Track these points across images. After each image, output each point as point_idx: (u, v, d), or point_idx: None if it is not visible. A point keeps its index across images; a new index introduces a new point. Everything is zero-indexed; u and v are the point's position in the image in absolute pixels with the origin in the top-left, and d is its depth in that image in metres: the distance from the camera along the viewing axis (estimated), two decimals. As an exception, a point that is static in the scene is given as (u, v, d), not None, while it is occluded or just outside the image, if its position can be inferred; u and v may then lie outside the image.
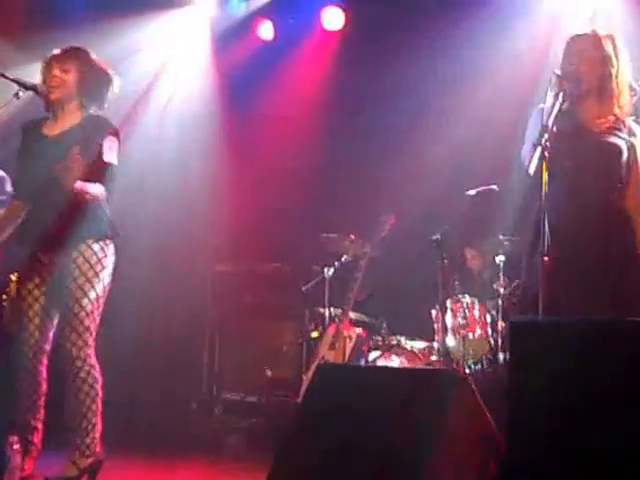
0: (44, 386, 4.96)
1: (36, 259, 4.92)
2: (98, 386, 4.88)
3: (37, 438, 4.95)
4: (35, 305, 4.92)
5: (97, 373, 4.88)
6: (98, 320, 4.92)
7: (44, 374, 4.95)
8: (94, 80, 5.00)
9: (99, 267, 4.86)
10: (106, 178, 4.86)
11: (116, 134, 4.95)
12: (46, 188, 4.81)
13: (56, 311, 4.92)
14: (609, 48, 4.46)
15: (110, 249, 4.94)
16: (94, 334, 4.89)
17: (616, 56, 4.46)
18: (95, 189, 4.79)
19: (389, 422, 3.87)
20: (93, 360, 4.87)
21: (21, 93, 4.84)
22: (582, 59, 4.41)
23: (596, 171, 4.38)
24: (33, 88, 4.89)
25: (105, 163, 4.84)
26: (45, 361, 4.95)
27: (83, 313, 4.81)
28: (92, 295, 4.83)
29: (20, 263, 5.04)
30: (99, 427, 4.90)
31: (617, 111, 4.46)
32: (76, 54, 4.99)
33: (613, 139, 4.43)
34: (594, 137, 4.44)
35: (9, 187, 5.81)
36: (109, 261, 4.93)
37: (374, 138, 7.80)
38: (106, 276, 4.91)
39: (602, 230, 4.34)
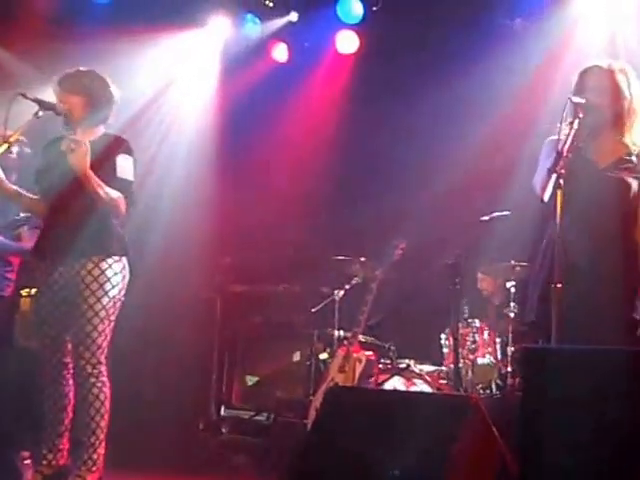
0: (71, 401, 4.99)
1: (49, 272, 4.97)
2: (108, 403, 4.93)
3: (54, 455, 4.96)
4: (49, 319, 4.97)
5: (108, 390, 4.94)
6: (109, 337, 4.97)
7: (68, 388, 4.98)
8: (100, 99, 5.06)
9: (108, 286, 4.90)
10: (122, 193, 4.92)
11: (129, 151, 5.04)
12: (63, 200, 4.91)
13: (70, 324, 4.94)
14: (623, 81, 4.48)
15: (119, 266, 4.97)
16: (105, 351, 4.95)
17: (630, 89, 4.48)
18: (111, 191, 4.84)
19: (399, 446, 3.88)
20: (105, 377, 4.93)
21: (41, 113, 4.90)
22: (597, 92, 4.41)
23: (607, 206, 4.38)
24: (52, 108, 4.95)
25: (120, 179, 4.92)
26: (66, 375, 4.99)
27: (95, 332, 4.87)
28: (102, 314, 4.88)
29: (34, 278, 5.10)
30: (104, 444, 4.93)
31: (630, 144, 4.47)
32: (82, 76, 5.06)
33: (624, 174, 4.42)
34: (605, 172, 4.44)
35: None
36: (118, 279, 4.95)
37: (387, 162, 7.82)
38: (115, 294, 4.94)
39: (615, 263, 4.33)
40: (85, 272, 4.87)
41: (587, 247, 4.34)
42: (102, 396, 4.90)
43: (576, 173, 4.23)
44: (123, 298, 5.02)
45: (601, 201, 4.36)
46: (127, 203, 4.96)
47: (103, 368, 4.92)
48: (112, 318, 4.95)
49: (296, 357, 7.75)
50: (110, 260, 4.93)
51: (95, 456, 4.88)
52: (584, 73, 4.53)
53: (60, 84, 5.03)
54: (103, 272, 4.89)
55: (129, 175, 4.99)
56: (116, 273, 4.93)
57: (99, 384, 4.89)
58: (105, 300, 4.88)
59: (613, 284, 4.29)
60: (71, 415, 5.01)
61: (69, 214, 4.90)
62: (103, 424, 4.91)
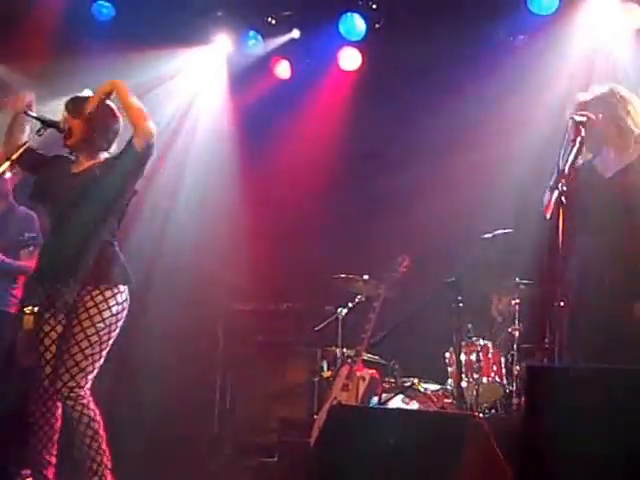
0: (59, 421, 4.94)
1: (50, 295, 4.94)
2: (96, 424, 4.82)
3: (51, 473, 4.93)
4: (46, 340, 4.93)
5: (91, 412, 4.82)
6: (97, 364, 4.89)
7: (60, 409, 4.93)
8: (102, 126, 5.05)
9: (107, 313, 4.86)
10: None
11: None
12: (65, 223, 4.91)
13: (61, 340, 4.91)
14: (627, 104, 4.51)
15: (121, 297, 4.95)
16: (90, 377, 4.85)
17: (634, 111, 4.51)
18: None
19: (403, 465, 3.86)
20: (86, 400, 4.82)
21: (43, 130, 4.89)
22: (601, 113, 4.43)
23: (620, 212, 4.39)
24: (54, 125, 4.95)
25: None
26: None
27: (81, 355, 4.79)
28: (93, 339, 4.82)
29: (37, 296, 5.07)
30: (106, 463, 4.86)
31: (633, 153, 4.51)
32: (84, 100, 5.05)
33: (630, 179, 4.44)
34: (612, 180, 4.46)
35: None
36: (118, 308, 4.93)
37: (390, 178, 7.81)
38: (113, 322, 4.90)
39: (628, 281, 4.33)
40: (88, 297, 4.84)
41: (608, 260, 4.33)
42: (85, 419, 4.79)
43: (588, 189, 4.25)
44: (119, 328, 4.97)
45: (614, 209, 4.37)
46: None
47: (82, 392, 4.79)
48: (103, 347, 4.89)
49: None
50: (115, 289, 4.91)
51: (96, 478, 4.82)
52: (585, 95, 4.56)
53: (66, 106, 5.04)
54: (105, 299, 4.86)
55: None
56: (118, 303, 4.91)
57: (78, 407, 4.78)
58: (100, 325, 4.83)
59: (621, 300, 4.29)
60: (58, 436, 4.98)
61: (73, 238, 4.88)
62: (96, 445, 4.82)
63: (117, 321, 4.93)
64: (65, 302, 4.88)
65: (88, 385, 4.85)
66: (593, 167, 4.58)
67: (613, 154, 4.55)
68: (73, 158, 5.11)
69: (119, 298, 4.92)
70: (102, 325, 4.84)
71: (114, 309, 4.89)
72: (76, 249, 4.86)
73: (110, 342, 4.93)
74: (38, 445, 4.91)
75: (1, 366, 5.85)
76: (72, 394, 4.77)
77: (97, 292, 4.86)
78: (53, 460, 4.94)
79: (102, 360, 4.92)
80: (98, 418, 4.85)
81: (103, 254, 4.91)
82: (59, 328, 4.93)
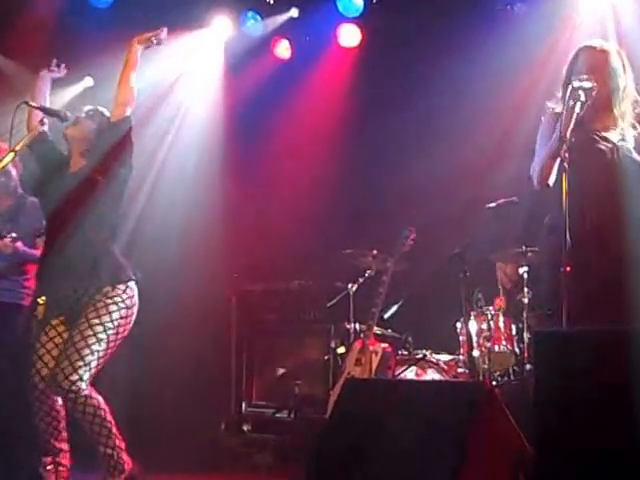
0: (62, 411, 4.98)
1: (57, 295, 5.00)
2: (101, 411, 4.86)
3: (65, 459, 5.01)
4: (49, 344, 4.97)
5: (94, 400, 4.84)
6: (103, 360, 4.92)
7: (59, 403, 4.97)
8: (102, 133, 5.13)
9: (116, 315, 4.91)
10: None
11: None
12: (64, 225, 4.95)
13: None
14: (618, 62, 4.49)
15: (129, 292, 4.99)
16: (92, 372, 4.87)
17: (624, 70, 4.49)
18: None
19: (417, 435, 3.89)
20: (87, 391, 4.82)
21: (45, 120, 4.93)
22: (593, 72, 4.40)
23: (609, 180, 4.38)
24: (56, 114, 4.98)
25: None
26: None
27: (86, 349, 4.82)
28: (101, 335, 4.86)
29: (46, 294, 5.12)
30: (119, 444, 4.92)
31: (621, 123, 4.48)
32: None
33: (619, 148, 4.43)
34: (602, 149, 4.44)
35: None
36: (127, 304, 4.97)
37: (393, 153, 7.83)
38: (122, 324, 4.95)
39: (622, 236, 4.32)
40: (100, 296, 4.89)
41: (592, 222, 4.34)
42: (90, 409, 4.81)
43: (577, 148, 4.23)
44: (128, 328, 5.02)
45: (601, 174, 4.37)
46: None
47: (83, 385, 4.79)
48: (110, 344, 4.92)
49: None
50: (122, 286, 4.96)
51: (113, 462, 4.89)
52: (580, 52, 4.54)
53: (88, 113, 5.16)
54: (113, 300, 4.91)
55: None
56: (124, 301, 4.94)
57: (81, 399, 4.79)
58: (108, 325, 4.88)
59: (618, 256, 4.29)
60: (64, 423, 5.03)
61: (71, 241, 4.92)
62: (106, 431, 4.87)
63: (126, 322, 4.98)
64: (70, 306, 4.94)
65: (89, 380, 4.85)
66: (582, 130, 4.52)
67: (602, 123, 4.50)
68: (66, 154, 5.17)
69: (125, 297, 4.95)
70: (109, 321, 4.88)
71: (122, 311, 4.93)
72: (78, 251, 4.91)
73: (117, 342, 4.97)
74: (45, 435, 4.98)
75: (16, 357, 5.88)
76: (73, 387, 4.76)
77: (107, 289, 4.91)
78: (64, 447, 5.01)
79: (106, 358, 4.94)
80: (103, 405, 4.88)
81: (104, 255, 4.97)
82: (65, 334, 4.96)
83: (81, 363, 4.79)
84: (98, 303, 4.88)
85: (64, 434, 5.01)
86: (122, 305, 4.94)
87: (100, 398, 4.90)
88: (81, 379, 4.79)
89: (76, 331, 4.86)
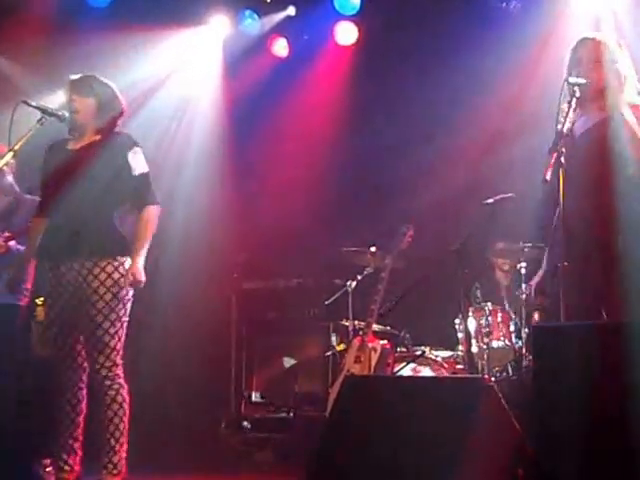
0: (85, 411, 5.02)
1: (54, 273, 5.00)
2: (126, 405, 4.93)
3: (73, 460, 5.00)
4: (58, 320, 4.99)
5: (125, 393, 4.94)
6: (124, 337, 4.98)
7: (84, 392, 5.02)
8: (109, 103, 5.13)
9: (116, 288, 4.92)
10: (145, 187, 5.08)
11: (136, 144, 5.13)
12: (69, 202, 4.95)
13: (81, 325, 4.96)
14: (615, 51, 4.50)
15: (124, 268, 4.97)
16: (121, 352, 4.96)
17: (624, 59, 4.50)
18: (146, 224, 5.06)
19: (417, 432, 3.89)
20: (122, 380, 4.94)
21: (44, 119, 4.93)
22: (589, 64, 4.43)
23: (588, 168, 4.39)
24: (55, 114, 4.99)
25: (138, 176, 5.05)
26: (84, 378, 5.02)
27: (107, 336, 4.88)
28: (113, 317, 4.90)
29: (44, 279, 5.12)
30: (126, 447, 4.95)
31: (611, 110, 4.48)
32: (92, 80, 5.12)
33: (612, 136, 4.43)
34: (596, 140, 4.45)
35: None
36: (125, 280, 4.97)
37: (390, 151, 7.83)
38: (123, 294, 4.96)
39: (616, 230, 4.33)
40: (92, 277, 4.89)
41: (588, 215, 4.34)
42: (119, 398, 4.90)
43: (572, 140, 4.25)
44: (132, 297, 5.03)
45: (583, 165, 4.37)
46: (152, 194, 5.12)
47: (119, 370, 4.93)
48: (124, 319, 4.97)
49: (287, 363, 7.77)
50: (116, 262, 4.95)
51: (116, 459, 4.89)
52: (576, 46, 4.56)
53: (72, 86, 5.10)
54: (110, 275, 4.91)
55: (144, 168, 5.10)
56: (122, 275, 4.94)
57: (115, 386, 4.90)
58: (114, 302, 4.90)
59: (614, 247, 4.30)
60: (83, 422, 5.04)
61: (73, 216, 4.93)
62: (122, 427, 4.92)
63: (127, 293, 4.98)
64: (68, 280, 4.94)
65: (121, 362, 4.95)
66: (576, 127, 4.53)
67: (600, 113, 4.52)
68: (69, 137, 5.17)
69: (122, 270, 4.95)
70: (115, 301, 4.91)
71: (121, 282, 4.93)
72: (79, 225, 4.92)
73: (128, 313, 5.00)
74: (65, 433, 4.98)
75: (15, 359, 5.89)
76: (110, 374, 4.88)
77: (98, 270, 4.90)
78: (78, 447, 5.00)
79: (125, 333, 4.99)
80: (128, 402, 4.95)
81: (104, 229, 4.96)
82: (64, 314, 4.97)
83: (109, 350, 4.89)
84: (93, 283, 4.88)
85: (80, 433, 5.02)
86: (119, 279, 4.93)
87: (127, 388, 4.96)
88: (115, 364, 4.91)
89: (87, 320, 4.89)
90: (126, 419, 4.94)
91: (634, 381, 3.34)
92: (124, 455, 4.94)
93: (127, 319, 5.01)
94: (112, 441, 4.90)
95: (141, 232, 5.01)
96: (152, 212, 5.09)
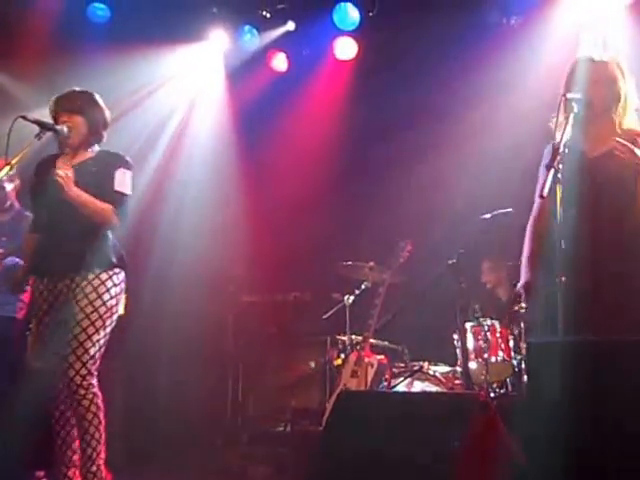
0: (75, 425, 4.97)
1: (49, 289, 4.99)
2: (101, 414, 4.89)
3: (73, 473, 4.95)
4: (55, 337, 4.94)
5: (100, 401, 4.89)
6: (102, 350, 4.95)
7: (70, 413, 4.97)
8: (99, 119, 5.13)
9: (107, 296, 4.92)
10: (117, 205, 4.99)
11: (128, 166, 5.11)
12: (58, 216, 4.94)
13: (69, 336, 4.91)
14: (616, 72, 4.49)
15: (118, 278, 5.00)
16: (98, 363, 4.92)
17: (624, 79, 4.49)
18: (101, 204, 4.92)
19: (412, 447, 3.89)
20: (96, 389, 4.88)
21: (42, 134, 4.94)
22: (591, 83, 4.42)
23: (600, 195, 4.38)
24: (53, 129, 4.99)
25: (116, 192, 4.99)
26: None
27: (89, 342, 4.84)
28: (99, 324, 4.88)
29: (38, 293, 5.12)
30: (103, 455, 4.91)
31: (621, 133, 4.47)
32: (81, 97, 5.12)
33: (615, 162, 4.42)
34: (597, 162, 4.45)
35: None
36: (117, 290, 4.98)
37: (389, 166, 7.85)
38: (113, 304, 4.95)
39: (616, 251, 4.33)
40: (85, 283, 4.89)
41: (586, 236, 4.33)
42: (94, 407, 4.84)
43: (573, 160, 4.24)
44: (121, 311, 5.03)
45: (594, 190, 4.37)
46: (120, 214, 5.01)
47: (94, 380, 4.87)
48: (107, 330, 4.95)
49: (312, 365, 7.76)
50: (110, 272, 4.96)
51: (94, 468, 4.86)
52: (577, 64, 4.54)
53: (61, 103, 5.08)
54: (103, 282, 4.92)
55: (126, 189, 5.06)
56: (115, 285, 4.96)
57: (89, 396, 4.84)
58: (102, 309, 4.89)
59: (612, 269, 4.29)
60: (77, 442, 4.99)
61: (66, 230, 4.93)
62: (98, 435, 4.87)
63: (117, 304, 4.98)
64: (57, 294, 4.94)
65: (96, 374, 4.90)
66: (577, 145, 4.52)
67: (601, 131, 4.52)
68: (59, 152, 5.16)
69: (115, 280, 4.97)
70: (104, 308, 4.90)
71: (112, 291, 4.94)
72: (72, 240, 4.91)
73: (112, 325, 4.98)
74: (63, 446, 4.96)
75: (11, 371, 5.89)
76: (84, 382, 4.82)
77: (93, 276, 4.90)
78: (77, 459, 4.97)
79: (105, 344, 4.95)
80: (103, 411, 4.90)
81: (99, 241, 4.95)
82: (61, 327, 4.92)
83: (87, 357, 4.83)
84: (87, 288, 4.88)
85: (78, 444, 4.97)
86: (111, 288, 4.94)
87: (100, 396, 4.91)
88: (90, 373, 4.85)
89: (73, 323, 4.85)
90: (102, 427, 4.88)
91: (630, 396, 3.34)
92: (102, 462, 4.90)
93: (109, 331, 4.97)
94: (89, 450, 4.86)
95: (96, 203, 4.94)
96: (109, 211, 4.98)
